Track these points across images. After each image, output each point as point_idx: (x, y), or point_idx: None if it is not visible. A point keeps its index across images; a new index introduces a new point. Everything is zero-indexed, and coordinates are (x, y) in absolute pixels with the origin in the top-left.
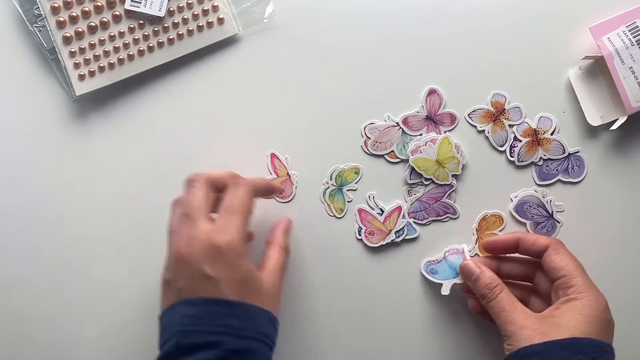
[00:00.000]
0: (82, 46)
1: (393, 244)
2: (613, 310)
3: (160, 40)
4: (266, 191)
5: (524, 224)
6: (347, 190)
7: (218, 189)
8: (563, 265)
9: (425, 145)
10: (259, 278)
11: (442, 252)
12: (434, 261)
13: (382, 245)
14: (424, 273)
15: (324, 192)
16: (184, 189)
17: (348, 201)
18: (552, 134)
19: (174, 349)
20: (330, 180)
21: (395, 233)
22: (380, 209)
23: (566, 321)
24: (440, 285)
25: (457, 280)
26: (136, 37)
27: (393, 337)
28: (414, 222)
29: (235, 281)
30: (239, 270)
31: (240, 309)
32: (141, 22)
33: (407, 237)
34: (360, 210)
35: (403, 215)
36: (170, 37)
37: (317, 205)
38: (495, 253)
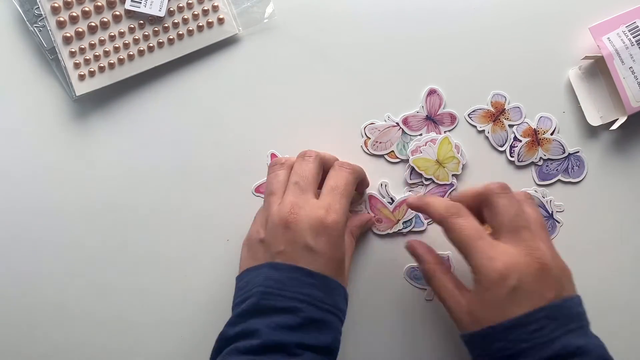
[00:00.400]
0: (82, 46)
1: (399, 234)
2: (613, 310)
3: (161, 40)
4: (362, 182)
5: None
6: None
7: (324, 168)
8: (455, 243)
9: (425, 145)
10: (344, 257)
11: None
12: (417, 266)
13: (388, 234)
14: (406, 278)
15: None
16: (297, 161)
17: None
18: (552, 134)
19: (252, 308)
20: None
21: (403, 223)
22: (391, 198)
23: (480, 315)
24: (424, 290)
25: None
26: (136, 37)
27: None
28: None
29: (332, 258)
30: (338, 250)
31: (323, 281)
32: (141, 22)
33: (415, 230)
34: (370, 197)
35: None
36: (171, 37)
37: None
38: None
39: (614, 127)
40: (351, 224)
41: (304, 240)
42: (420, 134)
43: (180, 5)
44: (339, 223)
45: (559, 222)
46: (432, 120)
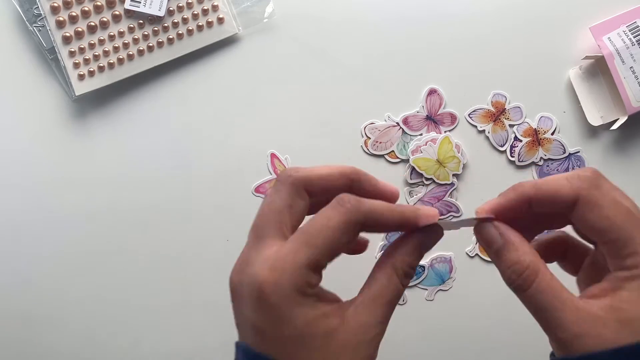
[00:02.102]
0: (82, 46)
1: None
2: None
3: (160, 40)
4: (394, 223)
5: None
6: None
7: (320, 193)
8: (607, 224)
9: (426, 145)
10: (328, 329)
11: (428, 259)
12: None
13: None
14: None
15: None
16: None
17: None
18: (552, 133)
19: None
20: None
21: None
22: None
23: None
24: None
25: (443, 287)
26: (136, 36)
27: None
28: None
29: (282, 338)
30: (287, 324)
31: None
32: (141, 21)
33: None
34: None
35: None
36: (170, 36)
37: None
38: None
39: (615, 127)
40: (389, 252)
41: (245, 313)
42: (421, 134)
43: (180, 4)
44: (281, 284)
45: None
46: (433, 120)
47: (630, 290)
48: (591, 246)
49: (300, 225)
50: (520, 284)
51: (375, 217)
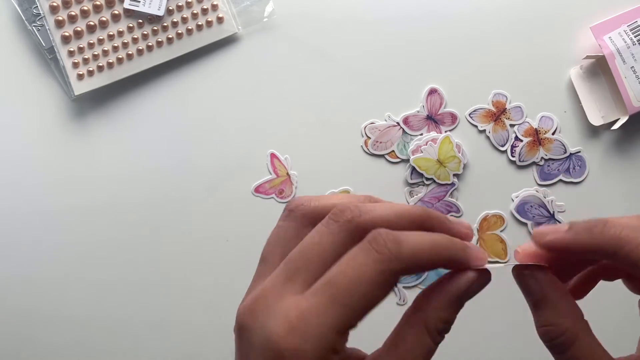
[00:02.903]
0: (81, 45)
1: None
2: (615, 314)
3: (160, 40)
4: (439, 264)
5: (525, 224)
6: None
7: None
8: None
9: (426, 144)
10: None
11: None
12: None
13: None
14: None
15: None
16: (322, 222)
17: None
18: (553, 133)
19: None
20: None
21: None
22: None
23: None
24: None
25: None
26: (135, 36)
27: None
28: None
29: None
30: None
31: None
32: (140, 21)
33: None
34: None
35: None
36: (170, 36)
37: None
38: (557, 260)
39: (616, 126)
40: (422, 305)
41: None
42: (421, 134)
43: (180, 4)
44: (303, 354)
45: (560, 223)
46: (433, 119)
47: None
48: None
49: (326, 275)
50: (554, 347)
51: (420, 263)
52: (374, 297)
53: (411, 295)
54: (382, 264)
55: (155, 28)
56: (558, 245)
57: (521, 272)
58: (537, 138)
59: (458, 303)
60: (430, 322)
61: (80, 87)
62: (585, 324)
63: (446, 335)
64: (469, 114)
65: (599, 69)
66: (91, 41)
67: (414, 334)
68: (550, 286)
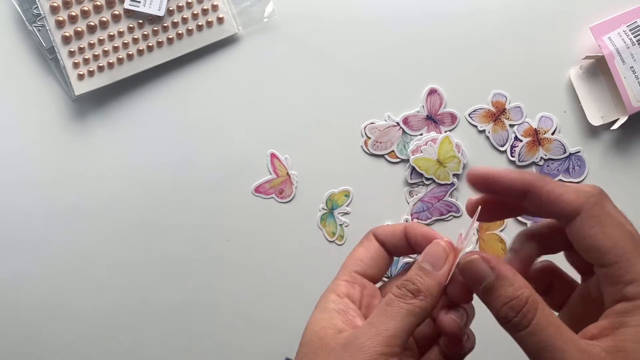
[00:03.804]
0: (82, 46)
1: None
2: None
3: (160, 40)
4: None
5: (525, 224)
6: (339, 213)
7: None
8: (608, 244)
9: (426, 144)
10: (324, 334)
11: None
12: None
13: None
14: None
15: (320, 217)
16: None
17: (345, 226)
18: (553, 133)
19: None
20: (323, 204)
21: None
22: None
23: None
24: None
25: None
26: (135, 36)
27: None
28: (417, 222)
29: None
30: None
31: None
32: (140, 21)
33: None
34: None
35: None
36: (170, 36)
37: (316, 206)
38: (488, 193)
39: (615, 126)
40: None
41: None
42: (421, 134)
43: (180, 4)
44: None
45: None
46: (433, 120)
47: (634, 326)
48: (578, 281)
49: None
50: (518, 321)
51: (382, 232)
52: (404, 341)
53: None
54: (408, 314)
55: (155, 28)
56: (491, 176)
57: (468, 262)
58: (536, 138)
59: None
60: (393, 285)
61: (81, 87)
62: (539, 296)
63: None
64: (469, 114)
65: (599, 69)
66: (91, 41)
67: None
68: (500, 264)
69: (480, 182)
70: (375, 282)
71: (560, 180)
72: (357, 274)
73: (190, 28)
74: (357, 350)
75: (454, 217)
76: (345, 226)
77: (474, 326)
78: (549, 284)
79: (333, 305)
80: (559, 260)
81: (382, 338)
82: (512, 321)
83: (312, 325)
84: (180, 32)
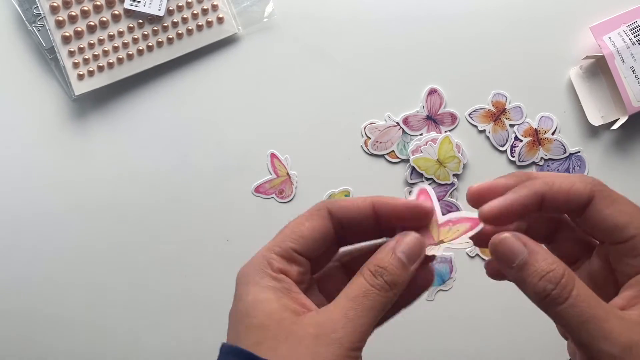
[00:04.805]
0: (81, 45)
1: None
2: None
3: (160, 40)
4: (365, 216)
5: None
6: None
7: (345, 220)
8: (627, 219)
9: (426, 144)
10: (280, 318)
11: None
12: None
13: None
14: None
15: None
16: None
17: None
18: (553, 133)
19: None
20: None
21: (444, 249)
22: (449, 206)
23: None
24: None
25: (443, 288)
26: (135, 36)
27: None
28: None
29: (234, 314)
30: (239, 300)
31: None
32: (140, 21)
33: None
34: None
35: None
36: (170, 36)
37: None
38: (502, 221)
39: (615, 126)
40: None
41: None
42: (421, 134)
43: (180, 4)
44: (246, 269)
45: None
46: (433, 120)
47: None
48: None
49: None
50: (558, 293)
51: (341, 202)
52: (302, 225)
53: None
54: (311, 207)
55: (155, 28)
56: (504, 208)
57: (501, 240)
58: (536, 138)
59: (388, 253)
60: (364, 268)
61: (81, 87)
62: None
63: (445, 335)
64: (469, 114)
65: (599, 69)
66: (91, 41)
67: (351, 281)
68: (530, 240)
69: (494, 220)
70: (310, 261)
71: None
72: (294, 252)
73: (190, 28)
74: (332, 344)
75: None
76: None
77: (474, 326)
78: (553, 231)
79: (274, 283)
80: None
81: (359, 333)
82: (552, 294)
83: (260, 305)
84: (180, 32)
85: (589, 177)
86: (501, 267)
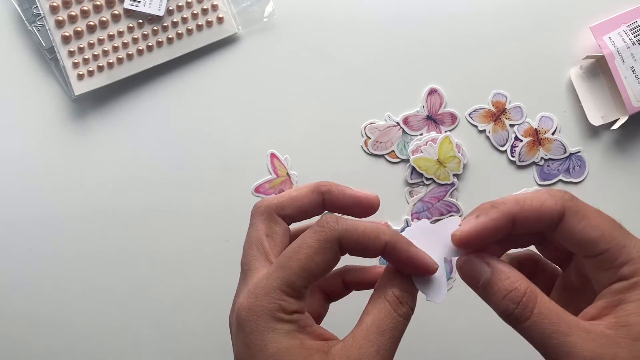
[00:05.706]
0: (81, 45)
1: None
2: None
3: (160, 40)
4: (375, 244)
5: None
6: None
7: (296, 215)
8: (598, 234)
9: (426, 144)
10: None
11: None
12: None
13: None
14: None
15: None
16: None
17: None
18: (553, 133)
19: None
20: None
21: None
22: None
23: None
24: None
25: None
26: (135, 36)
27: None
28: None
29: None
30: (259, 351)
31: None
32: (140, 21)
33: None
34: None
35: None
36: (170, 36)
37: None
38: (476, 246)
39: (615, 126)
40: (382, 283)
41: (233, 345)
42: (421, 134)
43: (180, 4)
44: (254, 310)
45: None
46: (433, 119)
47: (635, 300)
48: (559, 269)
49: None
50: (520, 312)
51: (353, 236)
52: (312, 260)
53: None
54: (320, 234)
55: (155, 28)
56: (477, 236)
57: (465, 261)
58: (536, 138)
59: (396, 275)
60: (388, 292)
61: (81, 87)
62: (535, 286)
63: (444, 333)
64: (469, 114)
65: (599, 69)
66: (91, 41)
67: (375, 307)
68: (494, 259)
69: (467, 244)
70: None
71: (560, 180)
72: (305, 289)
73: (190, 28)
74: None
75: (454, 217)
76: None
77: (473, 327)
78: (532, 272)
79: (291, 327)
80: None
81: (381, 357)
82: (514, 313)
83: (287, 355)
84: (180, 32)
85: (558, 191)
86: (470, 286)
